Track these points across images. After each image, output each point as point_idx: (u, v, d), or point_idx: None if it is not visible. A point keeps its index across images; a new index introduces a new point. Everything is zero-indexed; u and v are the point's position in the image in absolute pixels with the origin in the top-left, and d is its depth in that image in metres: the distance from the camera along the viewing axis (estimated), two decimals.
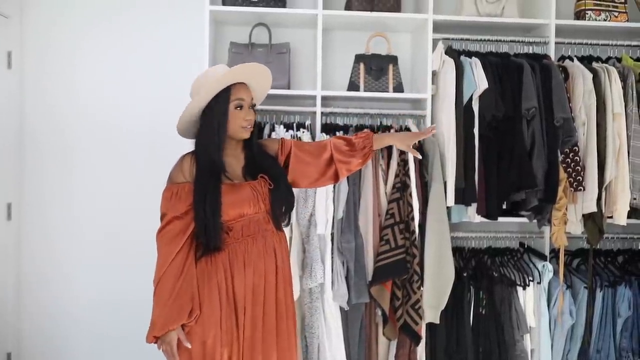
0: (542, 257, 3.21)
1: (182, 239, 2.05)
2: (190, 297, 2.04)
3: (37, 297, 3.42)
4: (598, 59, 3.26)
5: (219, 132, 2.12)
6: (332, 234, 2.88)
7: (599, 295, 3.14)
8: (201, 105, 2.13)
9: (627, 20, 3.31)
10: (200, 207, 2.04)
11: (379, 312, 2.98)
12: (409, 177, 2.91)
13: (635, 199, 3.02)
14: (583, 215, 3.07)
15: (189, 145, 2.26)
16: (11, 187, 3.33)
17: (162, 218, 2.10)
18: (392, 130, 3.05)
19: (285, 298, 2.22)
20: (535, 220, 3.12)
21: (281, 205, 2.25)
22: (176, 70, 3.31)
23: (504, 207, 3.11)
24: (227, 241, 2.09)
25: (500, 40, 3.25)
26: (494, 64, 3.07)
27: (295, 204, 2.83)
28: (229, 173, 2.15)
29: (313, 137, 3.00)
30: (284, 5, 3.18)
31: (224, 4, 3.16)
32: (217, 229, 2.06)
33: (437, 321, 2.95)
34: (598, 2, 3.28)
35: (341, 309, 2.93)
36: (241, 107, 2.15)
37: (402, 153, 2.95)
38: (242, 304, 2.09)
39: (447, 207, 2.99)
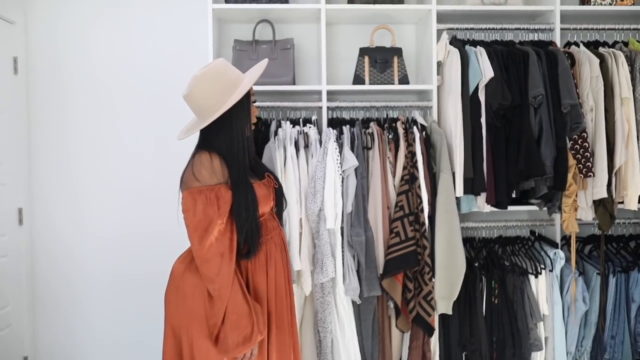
0: (554, 244, 3.19)
1: (234, 248, 1.97)
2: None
3: (51, 301, 3.45)
4: (605, 44, 3.24)
5: (247, 130, 2.08)
6: (341, 228, 2.88)
7: (611, 281, 3.12)
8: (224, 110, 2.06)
9: (634, 4, 3.28)
10: (242, 208, 1.96)
11: (391, 305, 2.98)
12: (417, 168, 2.91)
13: None
14: (594, 202, 3.05)
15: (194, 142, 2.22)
16: (21, 192, 3.35)
17: (201, 232, 1.91)
18: (398, 123, 3.04)
19: (291, 293, 2.26)
20: (545, 208, 3.11)
21: (282, 203, 2.29)
22: (181, 69, 3.30)
23: (514, 195, 3.09)
24: (261, 243, 2.09)
25: (505, 29, 3.24)
26: (500, 52, 3.05)
27: (304, 200, 2.85)
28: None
29: (320, 132, 3.00)
30: (286, 1, 3.18)
31: (226, 1, 3.16)
32: (259, 229, 2.02)
33: (450, 312, 2.95)
34: None
35: (353, 302, 2.93)
36: (255, 102, 2.21)
37: (409, 145, 2.95)
38: (264, 299, 2.10)
39: (457, 198, 2.98)
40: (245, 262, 2.05)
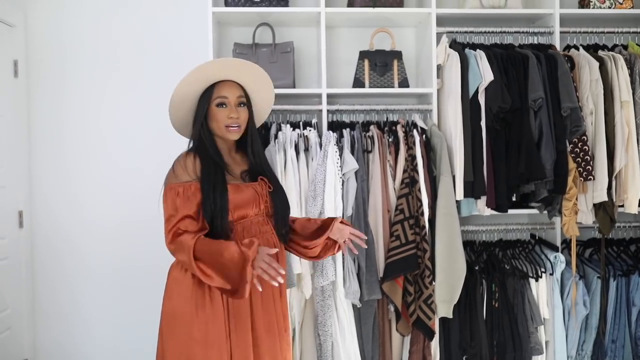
0: (554, 248, 3.19)
1: (197, 234, 1.99)
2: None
3: (52, 304, 3.45)
4: (604, 47, 3.24)
5: (204, 131, 2.10)
6: None
7: (612, 284, 3.12)
8: (184, 102, 2.14)
9: (633, 7, 3.28)
10: (208, 203, 1.99)
11: (392, 308, 2.98)
12: (417, 172, 2.91)
13: None
14: (594, 205, 3.05)
15: None
16: (22, 195, 3.35)
17: (168, 220, 2.00)
18: (398, 126, 3.04)
19: (280, 297, 2.18)
20: (545, 212, 3.11)
21: (283, 210, 2.18)
22: (181, 72, 3.28)
23: (514, 199, 3.10)
24: None
25: (504, 32, 3.24)
26: (499, 55, 3.06)
27: (304, 203, 2.85)
28: (231, 172, 2.12)
29: (320, 135, 3.00)
30: (286, 4, 3.18)
31: (226, 5, 3.16)
32: (226, 226, 2.02)
33: (450, 315, 2.94)
34: None
35: (354, 306, 2.93)
36: (224, 104, 2.10)
37: (409, 148, 2.95)
38: (247, 309, 2.05)
39: (457, 201, 2.98)
40: None
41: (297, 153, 2.91)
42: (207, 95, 2.11)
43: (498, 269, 3.10)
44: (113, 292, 3.46)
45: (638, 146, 3.01)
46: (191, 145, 2.14)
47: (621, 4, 3.26)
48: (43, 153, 3.42)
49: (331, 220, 2.22)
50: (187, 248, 1.93)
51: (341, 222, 2.23)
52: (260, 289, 1.91)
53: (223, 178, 2.05)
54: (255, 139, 2.20)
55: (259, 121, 2.33)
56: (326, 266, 2.80)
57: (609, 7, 3.25)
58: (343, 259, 2.86)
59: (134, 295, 3.43)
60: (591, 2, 3.24)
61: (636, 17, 3.33)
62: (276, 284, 1.93)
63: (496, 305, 3.06)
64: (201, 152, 2.08)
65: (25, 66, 3.38)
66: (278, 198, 2.17)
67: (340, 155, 2.88)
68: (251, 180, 2.13)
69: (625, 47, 3.22)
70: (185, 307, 2.01)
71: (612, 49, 3.23)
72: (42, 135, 3.42)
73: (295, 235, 2.25)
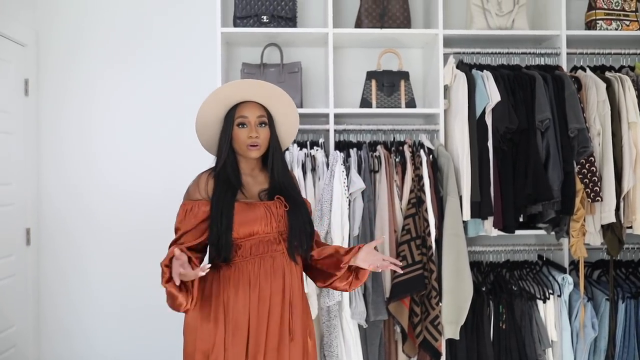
0: (562, 269, 3.17)
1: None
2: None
3: (57, 322, 3.44)
4: (611, 68, 3.25)
5: (226, 150, 2.15)
6: None
7: (621, 306, 3.09)
8: (210, 123, 2.20)
9: (639, 29, 3.29)
10: (215, 222, 2.05)
11: (398, 329, 2.96)
12: (424, 192, 2.91)
13: None
14: (602, 226, 3.04)
15: (205, 157, 2.29)
16: (30, 213, 3.36)
17: (175, 232, 2.13)
18: (405, 146, 3.05)
19: (291, 319, 2.14)
20: (553, 233, 3.10)
21: (299, 229, 2.15)
22: (189, 92, 3.34)
23: (521, 219, 3.08)
24: (235, 259, 2.08)
25: (511, 53, 3.26)
26: (506, 76, 3.07)
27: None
28: (246, 191, 2.15)
29: (327, 155, 3.01)
30: (294, 25, 3.21)
31: (235, 25, 3.19)
32: (229, 244, 2.06)
33: (457, 337, 2.92)
34: (609, 12, 3.27)
35: (360, 326, 2.91)
36: (243, 124, 2.14)
37: (416, 168, 2.95)
38: (245, 325, 2.06)
39: (464, 222, 2.97)
40: (231, 278, 2.07)
41: (304, 173, 2.92)
42: (230, 116, 2.17)
43: (505, 290, 3.08)
44: (119, 312, 3.45)
45: None
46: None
47: (628, 25, 3.27)
48: (52, 171, 3.45)
49: (354, 248, 2.19)
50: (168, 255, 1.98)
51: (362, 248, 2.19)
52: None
53: (232, 198, 2.09)
54: (277, 158, 2.22)
55: (286, 142, 2.34)
56: None
57: (616, 29, 3.26)
58: None
59: (138, 315, 3.43)
60: (598, 23, 3.26)
61: None
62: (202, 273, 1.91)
63: (503, 326, 3.03)
64: (218, 172, 2.15)
65: (35, 85, 3.41)
66: (295, 218, 2.15)
67: (347, 175, 2.89)
68: (269, 199, 2.15)
69: (632, 69, 3.22)
70: (194, 320, 2.10)
71: (619, 70, 3.23)
72: (52, 153, 3.45)
73: (314, 261, 2.24)
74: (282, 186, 2.19)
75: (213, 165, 2.20)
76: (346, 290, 2.32)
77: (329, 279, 2.22)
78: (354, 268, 2.19)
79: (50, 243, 3.44)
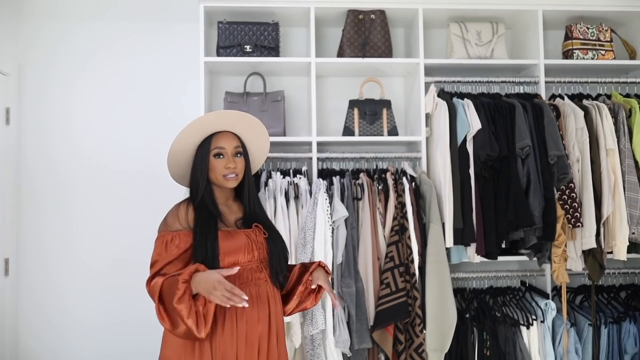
0: (544, 295, 3.18)
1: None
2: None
3: (35, 354, 3.37)
4: (588, 97, 3.32)
5: (202, 181, 2.15)
6: (332, 279, 2.86)
7: (604, 332, 3.10)
8: (182, 154, 2.19)
9: (614, 58, 3.37)
10: (200, 251, 2.02)
11: (382, 357, 2.94)
12: (407, 219, 2.92)
13: (633, 233, 3.02)
14: (583, 252, 3.06)
15: (183, 189, 2.30)
16: (8, 242, 3.32)
17: (152, 266, 2.06)
18: (388, 174, 3.07)
19: (277, 346, 2.15)
20: (535, 258, 3.12)
21: (278, 255, 2.19)
22: (173, 120, 3.33)
23: (504, 246, 3.10)
24: None
25: (491, 82, 3.31)
26: (486, 104, 3.11)
27: (294, 251, 2.84)
28: (225, 220, 2.15)
29: (310, 183, 3.02)
30: (277, 55, 3.24)
31: (218, 54, 3.22)
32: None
33: None
34: (585, 42, 3.34)
35: (344, 355, 2.89)
36: (221, 155, 2.16)
37: (399, 196, 2.97)
38: (233, 357, 2.03)
39: (447, 248, 2.98)
40: (217, 309, 2.02)
41: (287, 200, 2.92)
42: (205, 146, 2.17)
43: (489, 317, 3.08)
44: (98, 343, 3.39)
45: (624, 193, 3.04)
46: (188, 194, 2.20)
47: (603, 55, 3.35)
48: (32, 200, 3.40)
49: (314, 264, 2.23)
50: (155, 288, 1.97)
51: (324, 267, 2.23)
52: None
53: (215, 226, 2.09)
54: (252, 188, 2.26)
55: (254, 168, 2.38)
56: (316, 314, 2.78)
57: (592, 58, 3.34)
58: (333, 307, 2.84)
59: (119, 347, 3.37)
60: (574, 53, 3.33)
61: (618, 67, 3.43)
62: (241, 305, 1.89)
63: (487, 353, 3.03)
64: (196, 202, 2.13)
65: (17, 114, 3.40)
66: (274, 244, 2.18)
67: (330, 202, 2.90)
68: (245, 228, 2.16)
69: (609, 97, 3.29)
70: (175, 353, 2.03)
71: (596, 98, 3.30)
72: (32, 182, 3.41)
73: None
74: (255, 215, 2.22)
75: (187, 196, 2.20)
76: (313, 305, 2.29)
77: (295, 298, 2.22)
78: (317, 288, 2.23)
79: (29, 274, 3.38)
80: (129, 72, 3.48)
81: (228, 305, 1.87)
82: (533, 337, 3.07)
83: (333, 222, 2.87)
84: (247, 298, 1.88)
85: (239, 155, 2.20)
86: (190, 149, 2.19)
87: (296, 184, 2.98)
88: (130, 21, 3.49)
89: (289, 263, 2.29)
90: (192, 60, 3.28)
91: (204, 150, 2.16)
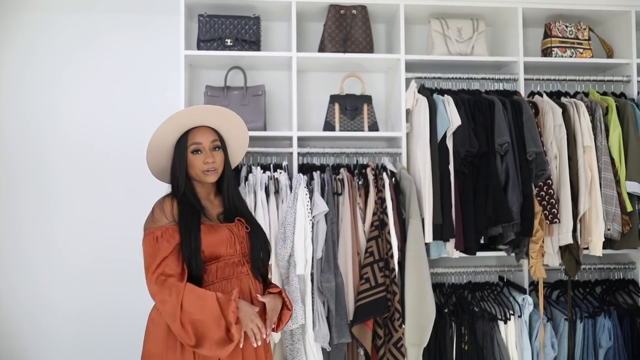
0: (522, 290, 3.22)
1: (183, 277, 2.02)
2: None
3: (13, 349, 3.32)
4: (566, 94, 3.35)
5: (182, 177, 2.16)
6: (311, 274, 2.86)
7: (579, 326, 3.15)
8: (160, 151, 2.21)
9: (592, 56, 3.41)
10: (185, 245, 2.03)
11: (362, 352, 2.95)
12: (386, 214, 2.93)
13: (609, 229, 3.07)
14: (560, 247, 3.10)
15: (165, 184, 2.30)
16: None
17: (148, 265, 2.02)
18: (368, 169, 3.07)
19: (265, 350, 2.18)
20: (513, 254, 3.15)
21: (260, 249, 2.21)
22: (153, 115, 3.29)
23: (482, 241, 3.13)
24: (202, 285, 2.06)
25: (471, 78, 3.33)
26: (466, 101, 3.13)
27: (274, 246, 2.84)
28: (208, 214, 2.15)
29: (290, 178, 3.01)
30: (258, 49, 3.23)
31: (199, 48, 3.19)
32: (199, 266, 2.05)
33: (420, 359, 2.92)
34: (563, 40, 3.38)
35: (323, 349, 2.89)
36: (199, 151, 2.17)
37: (379, 191, 2.97)
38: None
39: (426, 244, 3.00)
40: None
41: (268, 195, 2.92)
42: (182, 143, 2.17)
43: (467, 312, 3.10)
44: (79, 335, 3.34)
45: (600, 190, 3.08)
46: (170, 190, 2.20)
47: (581, 53, 3.39)
48: (10, 194, 3.34)
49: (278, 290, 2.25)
50: (176, 291, 1.96)
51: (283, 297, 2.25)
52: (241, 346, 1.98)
53: (198, 221, 2.10)
54: (231, 182, 2.26)
55: (234, 162, 2.37)
56: (295, 309, 2.77)
57: (570, 56, 3.37)
58: (313, 302, 2.84)
59: (100, 340, 3.33)
60: (553, 51, 3.36)
61: (596, 66, 3.47)
62: (256, 345, 1.99)
63: (466, 347, 3.06)
64: (179, 197, 2.13)
65: None
66: (256, 238, 2.20)
67: (311, 197, 2.89)
68: (227, 222, 2.15)
69: (587, 95, 3.33)
70: (158, 348, 2.03)
71: (574, 95, 3.34)
72: (10, 176, 3.34)
73: None
74: (236, 208, 2.23)
75: (169, 192, 2.20)
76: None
77: None
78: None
79: (6, 248, 3.33)
80: (110, 65, 3.43)
81: (252, 340, 1.98)
82: (510, 332, 3.10)
83: (313, 217, 2.87)
84: (260, 343, 2.00)
85: (217, 149, 2.20)
86: (168, 146, 2.19)
87: (276, 178, 2.97)
88: (111, 13, 3.44)
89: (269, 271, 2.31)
90: (173, 53, 3.23)
91: (182, 147, 2.16)
